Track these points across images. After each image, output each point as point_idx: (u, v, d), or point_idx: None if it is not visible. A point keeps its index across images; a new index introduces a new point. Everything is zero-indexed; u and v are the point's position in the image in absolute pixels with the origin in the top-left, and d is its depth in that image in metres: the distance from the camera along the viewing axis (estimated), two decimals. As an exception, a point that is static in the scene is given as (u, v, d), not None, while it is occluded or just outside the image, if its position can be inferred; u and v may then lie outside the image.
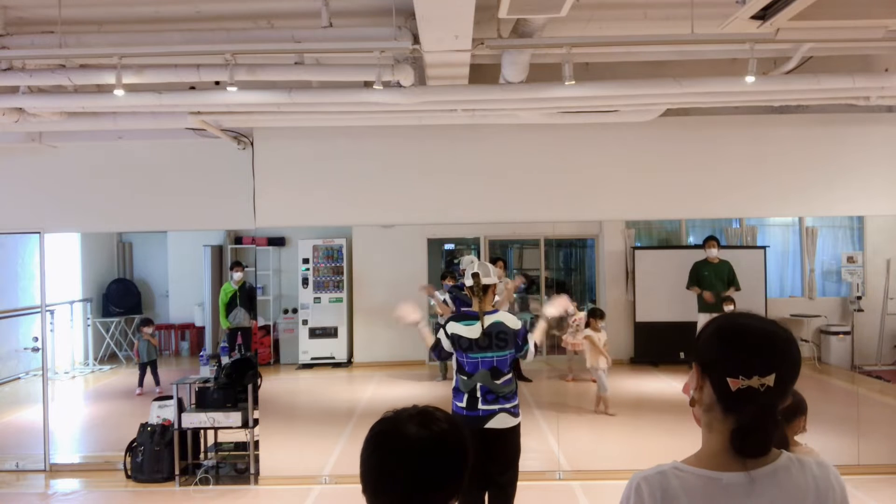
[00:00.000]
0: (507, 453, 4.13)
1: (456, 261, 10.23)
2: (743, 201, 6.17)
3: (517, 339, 4.15)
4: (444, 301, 7.26)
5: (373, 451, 1.42)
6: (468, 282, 4.22)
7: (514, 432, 4.13)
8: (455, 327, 4.17)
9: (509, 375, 4.16)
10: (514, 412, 4.13)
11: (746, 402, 1.39)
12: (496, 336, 4.11)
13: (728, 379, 1.39)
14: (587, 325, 7.46)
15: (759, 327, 1.45)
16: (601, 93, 4.94)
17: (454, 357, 4.23)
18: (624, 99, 5.19)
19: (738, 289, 7.98)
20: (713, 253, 8.09)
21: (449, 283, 8.03)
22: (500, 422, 4.07)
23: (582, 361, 7.54)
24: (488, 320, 4.13)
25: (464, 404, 4.10)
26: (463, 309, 4.52)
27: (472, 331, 4.12)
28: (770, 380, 1.38)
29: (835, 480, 1.45)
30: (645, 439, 6.63)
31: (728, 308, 7.75)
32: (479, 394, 4.07)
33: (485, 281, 4.17)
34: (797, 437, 2.87)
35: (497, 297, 4.43)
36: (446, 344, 4.18)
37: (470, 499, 4.08)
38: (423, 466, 1.39)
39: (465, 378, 4.12)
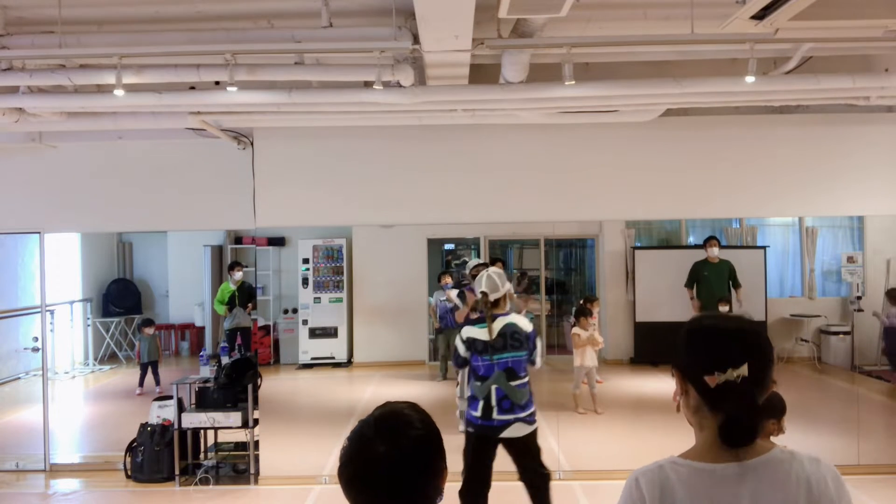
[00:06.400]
0: (529, 454, 4.18)
1: (458, 262, 10.21)
2: (743, 201, 6.17)
3: (529, 342, 4.18)
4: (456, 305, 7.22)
5: (352, 490, 1.43)
6: (478, 295, 4.28)
7: (530, 438, 4.18)
8: (470, 331, 4.22)
9: (525, 380, 4.16)
10: (529, 420, 4.14)
11: (728, 395, 1.44)
12: (511, 336, 4.14)
13: (706, 377, 1.46)
14: (576, 323, 7.48)
15: (723, 324, 1.54)
16: (601, 93, 4.94)
17: (469, 365, 4.26)
18: (624, 99, 5.18)
19: (738, 286, 7.98)
20: (714, 252, 8.08)
21: (446, 282, 8.02)
22: (516, 431, 4.10)
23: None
24: (500, 324, 4.16)
25: (479, 413, 4.12)
26: (473, 316, 4.58)
27: (486, 333, 4.16)
28: (744, 370, 1.44)
29: (826, 471, 1.49)
30: (645, 439, 6.63)
31: (723, 309, 7.76)
32: (493, 401, 4.08)
33: (493, 297, 4.22)
34: (773, 439, 2.88)
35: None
36: (461, 349, 4.22)
37: (473, 498, 4.09)
38: (406, 483, 1.40)
39: (480, 383, 4.14)
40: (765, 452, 1.47)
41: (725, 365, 1.44)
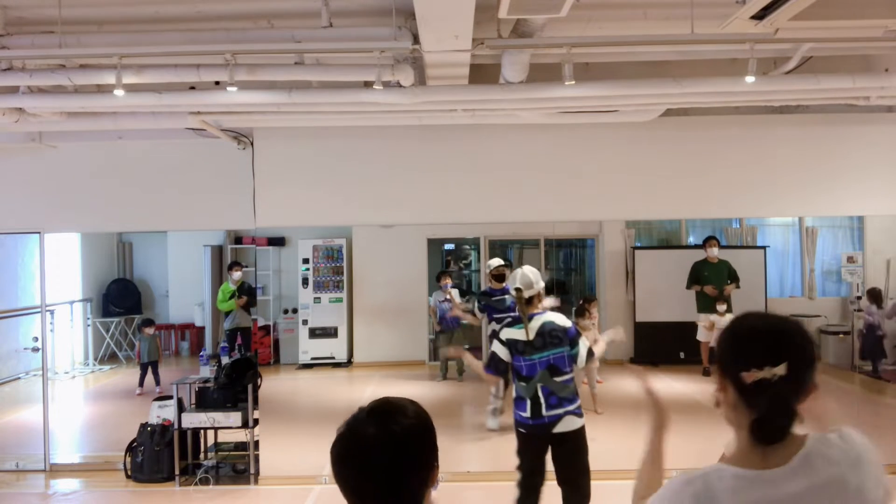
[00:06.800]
0: (579, 457, 4.18)
1: (465, 261, 10.21)
2: (743, 201, 6.17)
3: (568, 336, 4.18)
4: (472, 312, 7.15)
5: (340, 469, 1.45)
6: (513, 291, 4.26)
7: (580, 434, 4.17)
8: (509, 333, 4.21)
9: (569, 375, 4.17)
10: (578, 413, 4.15)
11: (763, 393, 1.44)
12: (549, 334, 4.14)
13: (742, 374, 1.46)
14: (575, 323, 7.50)
15: (767, 322, 1.53)
16: (601, 93, 4.94)
17: (510, 366, 4.24)
18: (624, 99, 5.18)
19: (738, 285, 7.97)
20: (714, 252, 8.09)
21: (445, 282, 8.00)
22: (567, 424, 4.10)
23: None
24: (537, 322, 4.16)
25: (528, 413, 4.12)
26: (503, 315, 4.57)
27: (524, 333, 4.16)
28: (781, 369, 1.43)
29: (860, 444, 1.52)
30: (644, 440, 6.62)
31: (721, 307, 7.76)
32: (541, 399, 4.09)
33: (527, 294, 4.21)
34: None
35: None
36: (503, 353, 4.18)
37: (530, 491, 4.12)
38: (392, 469, 1.42)
39: (525, 383, 4.14)
40: (801, 447, 1.47)
41: (762, 362, 1.44)
